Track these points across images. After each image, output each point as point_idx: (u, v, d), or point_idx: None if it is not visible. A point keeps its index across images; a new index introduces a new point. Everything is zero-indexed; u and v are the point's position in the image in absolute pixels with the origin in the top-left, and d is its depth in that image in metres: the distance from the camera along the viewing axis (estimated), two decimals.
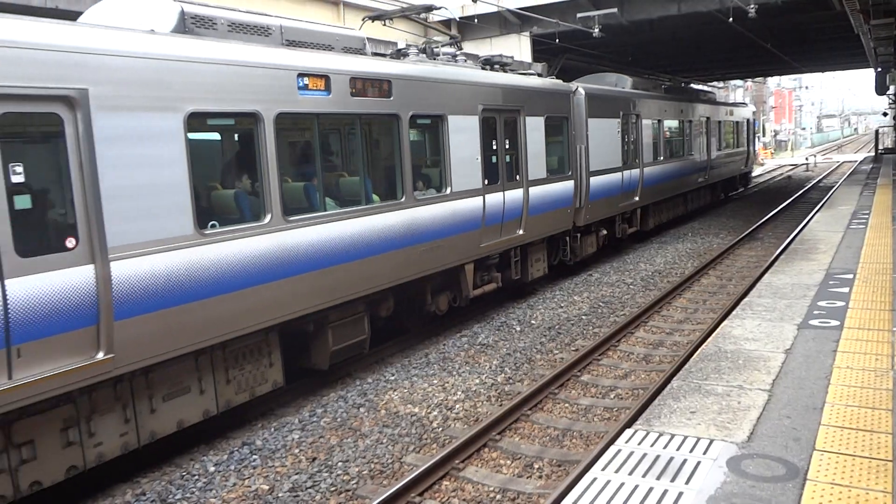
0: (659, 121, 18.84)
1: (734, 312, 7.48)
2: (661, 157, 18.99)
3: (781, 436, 4.40)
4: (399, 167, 9.28)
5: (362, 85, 8.56)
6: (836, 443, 4.27)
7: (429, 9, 12.26)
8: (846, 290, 8.01)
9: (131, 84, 6.01)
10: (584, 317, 11.71)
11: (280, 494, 6.25)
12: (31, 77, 5.33)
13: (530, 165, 12.16)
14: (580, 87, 14.48)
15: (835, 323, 6.75)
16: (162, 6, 7.10)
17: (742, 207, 26.10)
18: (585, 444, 7.16)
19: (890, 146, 46.72)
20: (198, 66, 6.62)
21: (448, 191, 10.13)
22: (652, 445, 4.40)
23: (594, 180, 14.62)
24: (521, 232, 12.00)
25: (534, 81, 13.02)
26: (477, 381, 8.85)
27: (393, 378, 9.06)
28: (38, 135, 5.77)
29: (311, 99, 7.81)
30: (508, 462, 6.83)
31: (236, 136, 7.97)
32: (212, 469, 6.75)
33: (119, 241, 5.85)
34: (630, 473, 4.06)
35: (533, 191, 12.25)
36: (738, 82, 65.29)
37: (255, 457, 6.97)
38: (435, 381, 8.88)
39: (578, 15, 20.55)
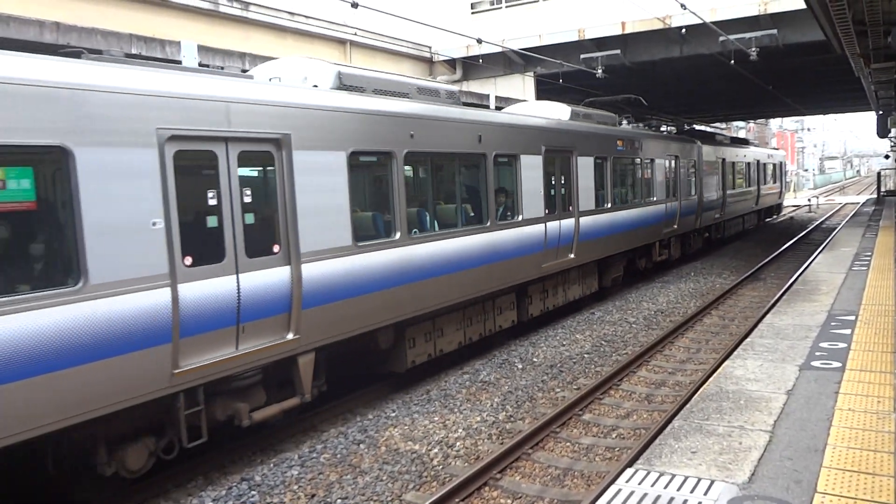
0: (734, 163, 26.69)
1: (736, 353, 7.47)
2: (733, 188, 26.69)
3: (783, 477, 4.38)
4: (641, 184, 17.32)
5: (630, 144, 16.62)
6: (837, 485, 4.25)
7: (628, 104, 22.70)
8: (848, 331, 8.00)
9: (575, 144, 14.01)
10: (586, 355, 11.69)
11: None
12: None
13: (681, 188, 20.10)
14: (698, 141, 22.18)
15: (837, 364, 6.74)
16: (560, 107, 14.97)
17: (745, 248, 26.13)
18: (587, 483, 7.10)
19: (892, 188, 46.87)
20: (597, 135, 14.93)
21: (654, 198, 18.02)
22: (653, 485, 4.38)
23: (704, 202, 22.53)
24: (675, 227, 19.78)
25: (682, 138, 21.54)
26: (478, 418, 8.81)
27: (394, 414, 9.02)
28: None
29: (619, 151, 15.83)
30: (509, 501, 6.77)
31: (598, 166, 14.69)
32: None
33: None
34: None
35: (683, 203, 20.27)
36: (741, 123, 65.80)
37: (253, 493, 6.92)
38: (436, 418, 8.84)
39: (582, 56, 20.88)
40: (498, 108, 16.04)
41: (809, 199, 53.42)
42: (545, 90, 23.48)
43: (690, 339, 12.86)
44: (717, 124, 46.36)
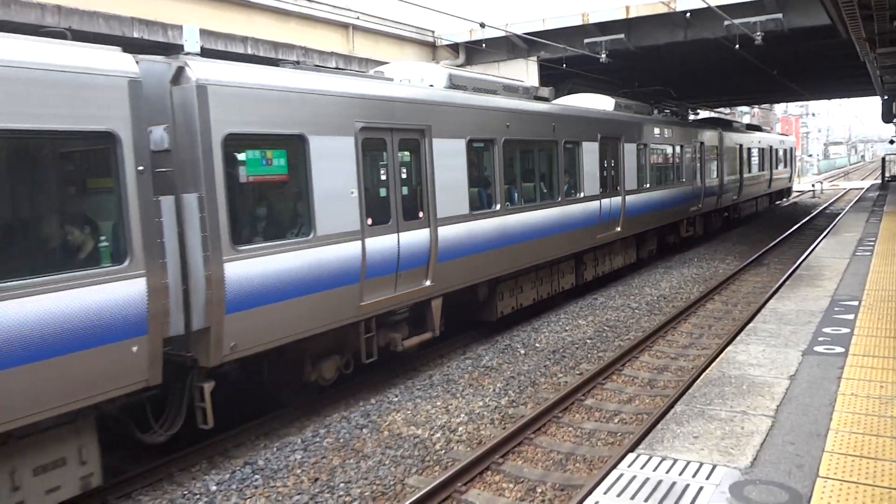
0: (749, 149, 28.74)
1: (739, 338, 7.47)
2: (749, 172, 28.78)
3: (785, 462, 4.38)
4: (672, 168, 19.55)
5: (664, 131, 18.63)
6: (839, 470, 4.26)
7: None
8: (851, 316, 7.99)
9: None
10: (588, 341, 11.69)
11: None
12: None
13: (705, 171, 22.25)
14: (720, 128, 24.50)
15: (840, 350, 6.73)
16: (605, 99, 16.84)
17: (748, 233, 26.07)
18: (589, 468, 7.12)
19: None
20: (638, 124, 17.05)
21: (683, 180, 20.24)
22: (654, 470, 4.39)
23: (724, 184, 24.71)
24: (700, 206, 21.98)
25: (706, 125, 24.39)
26: (480, 403, 8.83)
27: (396, 399, 9.05)
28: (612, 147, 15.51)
29: (655, 137, 17.88)
30: (511, 486, 6.80)
31: (640, 151, 17.12)
32: (213, 488, 6.74)
33: (627, 188, 16.17)
34: (632, 498, 4.05)
35: (706, 185, 22.48)
36: (745, 108, 65.42)
37: (256, 476, 6.96)
38: (438, 403, 8.87)
39: (586, 40, 20.68)
40: None
41: (813, 185, 53.17)
42: (548, 75, 23.31)
43: (693, 324, 12.86)
44: (722, 109, 46.10)
